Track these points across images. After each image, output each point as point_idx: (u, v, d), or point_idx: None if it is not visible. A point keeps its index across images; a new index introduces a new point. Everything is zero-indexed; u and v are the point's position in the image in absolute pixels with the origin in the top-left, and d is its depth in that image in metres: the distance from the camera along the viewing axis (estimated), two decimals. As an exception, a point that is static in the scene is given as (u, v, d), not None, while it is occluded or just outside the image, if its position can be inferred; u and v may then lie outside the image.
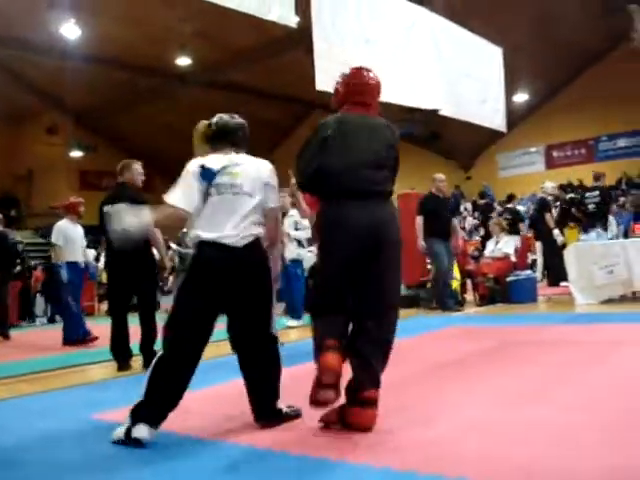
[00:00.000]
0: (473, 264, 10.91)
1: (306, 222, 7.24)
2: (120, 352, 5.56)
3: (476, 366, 4.71)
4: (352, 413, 3.04)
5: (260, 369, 3.30)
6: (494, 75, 10.09)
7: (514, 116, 17.16)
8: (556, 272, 10.98)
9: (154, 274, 5.78)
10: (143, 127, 23.66)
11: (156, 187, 18.81)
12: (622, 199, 16.61)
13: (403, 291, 8.73)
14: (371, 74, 3.46)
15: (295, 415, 3.31)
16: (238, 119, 3.50)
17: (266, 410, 3.28)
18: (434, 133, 20.66)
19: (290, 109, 24.69)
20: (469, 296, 10.17)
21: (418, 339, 6.30)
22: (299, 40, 12.17)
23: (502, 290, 9.30)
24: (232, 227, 3.15)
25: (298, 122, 26.36)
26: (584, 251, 8.73)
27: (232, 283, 3.16)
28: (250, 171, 3.28)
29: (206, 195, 3.17)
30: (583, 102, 20.21)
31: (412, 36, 8.10)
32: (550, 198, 12.44)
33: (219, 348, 4.60)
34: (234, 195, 3.19)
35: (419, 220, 8.95)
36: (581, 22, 18.07)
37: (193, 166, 3.22)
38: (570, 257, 8.78)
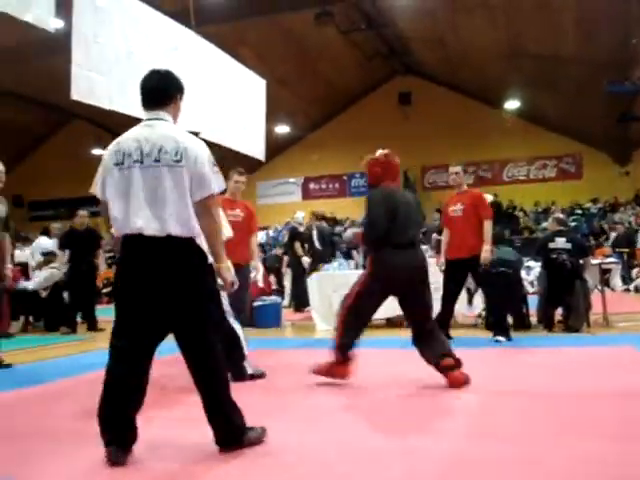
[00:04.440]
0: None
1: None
2: None
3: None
4: (449, 378, 4.57)
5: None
6: (257, 105, 10.37)
7: (275, 147, 17.79)
8: (302, 298, 11.46)
9: None
10: None
11: None
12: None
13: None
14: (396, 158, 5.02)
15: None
16: None
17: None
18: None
19: (47, 116, 23.42)
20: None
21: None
22: (62, 45, 11.66)
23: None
24: None
25: (54, 130, 25.09)
26: (325, 279, 9.25)
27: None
28: None
29: None
30: (340, 138, 21.53)
31: (177, 56, 8.07)
32: (301, 228, 12.97)
33: None
34: None
35: None
36: (344, 64, 19.31)
37: None
38: (312, 285, 9.26)
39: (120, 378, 2.98)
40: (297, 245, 12.13)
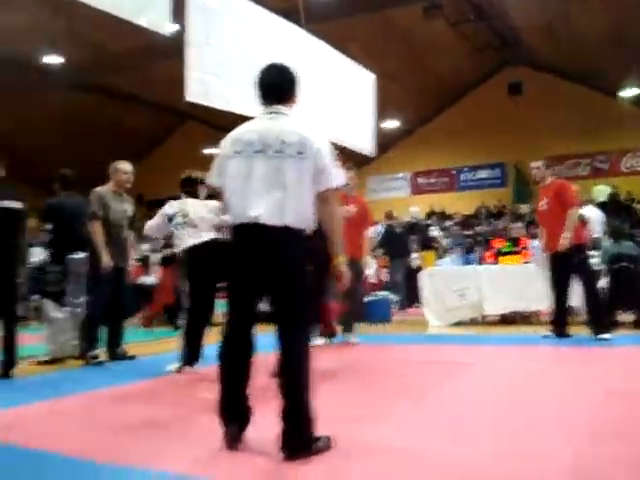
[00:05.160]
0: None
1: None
2: None
3: (338, 380, 4.79)
4: None
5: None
6: (367, 100, 10.35)
7: (384, 142, 17.71)
8: (413, 294, 11.35)
9: None
10: (3, 125, 22.45)
11: (20, 191, 17.95)
12: (478, 228, 17.50)
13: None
14: None
15: None
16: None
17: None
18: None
19: (162, 118, 24.26)
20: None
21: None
22: (174, 49, 12.05)
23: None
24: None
25: (169, 132, 25.97)
26: (438, 275, 9.12)
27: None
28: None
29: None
30: (449, 133, 21.18)
31: (288, 55, 8.17)
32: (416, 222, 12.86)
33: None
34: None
35: None
36: (453, 57, 18.98)
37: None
38: (424, 280, 9.15)
39: (233, 364, 3.09)
40: (411, 239, 12.03)
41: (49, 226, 6.82)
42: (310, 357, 3.00)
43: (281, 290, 3.03)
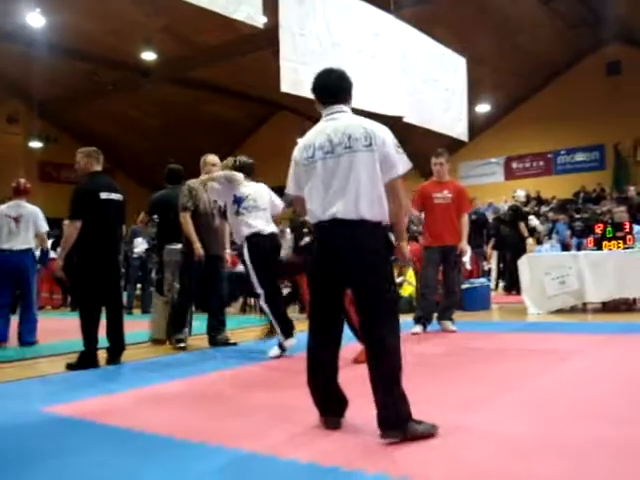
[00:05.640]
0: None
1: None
2: None
3: (438, 368, 4.78)
4: None
5: None
6: (458, 85, 10.20)
7: (475, 126, 17.38)
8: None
9: None
10: (105, 120, 23.35)
11: (116, 181, 18.68)
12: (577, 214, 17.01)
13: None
14: None
15: None
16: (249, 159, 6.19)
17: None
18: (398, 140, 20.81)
19: (253, 109, 24.63)
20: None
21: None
22: (265, 40, 12.17)
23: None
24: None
25: (260, 123, 26.34)
26: (537, 262, 8.91)
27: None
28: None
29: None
30: (544, 115, 20.58)
31: (379, 42, 8.15)
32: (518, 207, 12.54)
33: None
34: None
35: None
36: (545, 36, 18.42)
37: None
38: (523, 267, 8.95)
39: (321, 352, 3.21)
40: (522, 225, 11.75)
41: (156, 218, 7.16)
42: (399, 341, 3.06)
43: (363, 281, 3.10)
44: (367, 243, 3.09)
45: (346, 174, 3.10)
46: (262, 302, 5.75)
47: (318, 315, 3.25)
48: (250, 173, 6.10)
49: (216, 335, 6.66)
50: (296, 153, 3.34)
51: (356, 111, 3.42)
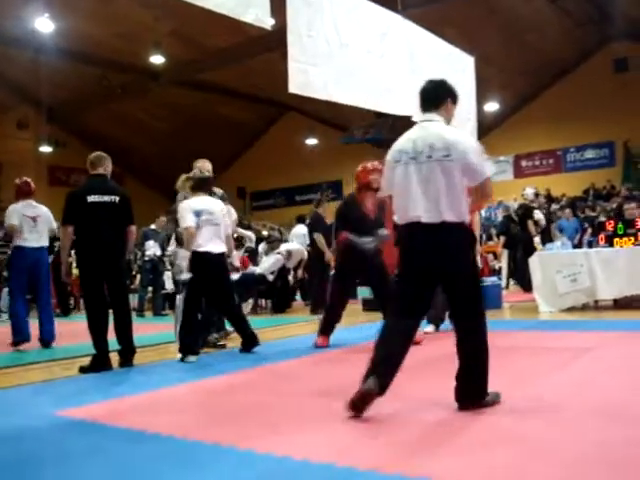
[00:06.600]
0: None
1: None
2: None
3: (451, 367, 4.77)
4: None
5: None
6: (466, 84, 10.17)
7: (484, 125, 17.36)
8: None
9: None
10: (114, 124, 23.47)
11: (125, 185, 18.75)
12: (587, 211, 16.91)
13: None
14: None
15: None
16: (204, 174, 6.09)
17: None
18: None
19: (262, 111, 24.66)
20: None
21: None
22: (273, 42, 12.21)
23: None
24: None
25: (269, 124, 26.35)
26: (548, 260, 8.87)
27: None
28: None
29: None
30: (552, 113, 20.52)
31: (386, 42, 8.14)
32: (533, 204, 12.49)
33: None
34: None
35: None
36: (553, 34, 18.37)
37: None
38: (534, 265, 8.91)
39: (395, 347, 3.44)
40: (530, 223, 11.68)
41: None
42: (487, 331, 3.44)
43: (449, 278, 3.44)
44: (449, 243, 3.40)
45: (426, 180, 3.39)
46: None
47: (399, 310, 3.49)
48: (203, 187, 6.07)
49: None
50: (389, 156, 3.62)
51: (360, 110, 3.53)
